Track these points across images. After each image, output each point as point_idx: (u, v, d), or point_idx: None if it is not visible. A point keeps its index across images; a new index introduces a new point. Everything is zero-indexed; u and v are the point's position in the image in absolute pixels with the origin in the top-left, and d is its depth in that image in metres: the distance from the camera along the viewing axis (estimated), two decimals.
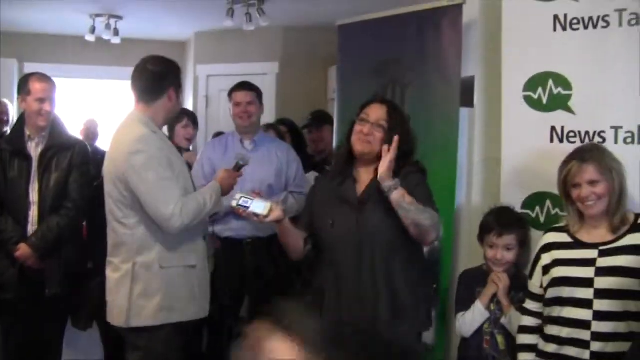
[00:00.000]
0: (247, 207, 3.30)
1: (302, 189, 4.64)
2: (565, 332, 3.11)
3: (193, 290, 3.61)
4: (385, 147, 3.24)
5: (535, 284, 3.29)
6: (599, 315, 3.04)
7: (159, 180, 3.44)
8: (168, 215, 3.41)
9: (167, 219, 3.41)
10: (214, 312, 4.00)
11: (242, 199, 3.33)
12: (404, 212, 3.21)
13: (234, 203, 3.32)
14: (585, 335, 3.05)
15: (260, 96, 4.82)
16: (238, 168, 3.85)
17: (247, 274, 4.64)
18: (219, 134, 6.08)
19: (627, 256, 3.05)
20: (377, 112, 3.39)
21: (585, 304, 3.07)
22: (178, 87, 3.69)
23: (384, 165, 3.22)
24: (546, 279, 3.21)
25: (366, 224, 3.33)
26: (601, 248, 3.10)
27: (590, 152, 3.16)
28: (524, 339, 3.31)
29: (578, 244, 3.15)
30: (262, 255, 4.61)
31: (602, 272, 3.05)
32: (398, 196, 3.20)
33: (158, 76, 3.62)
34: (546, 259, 3.24)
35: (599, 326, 3.03)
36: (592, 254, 3.09)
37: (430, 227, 3.23)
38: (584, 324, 3.06)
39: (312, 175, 4.93)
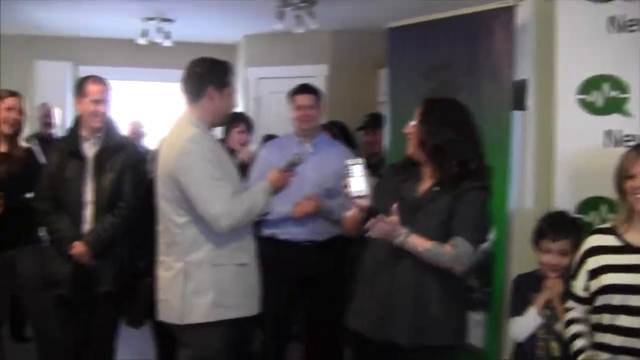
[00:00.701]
0: (351, 175, 3.25)
1: None
2: (617, 340, 3.04)
3: (245, 287, 3.65)
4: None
5: (578, 285, 3.20)
6: None
7: (208, 180, 3.48)
8: (217, 215, 3.45)
9: (215, 218, 3.46)
10: (268, 314, 4.06)
11: (355, 166, 3.26)
12: (419, 256, 3.24)
13: (348, 162, 3.27)
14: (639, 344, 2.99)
15: (321, 99, 4.81)
16: (291, 166, 3.83)
17: (305, 278, 4.61)
18: (269, 137, 6.10)
19: None
20: (416, 115, 3.41)
21: (638, 311, 3.00)
22: (221, 86, 3.68)
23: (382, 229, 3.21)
24: (594, 284, 3.12)
25: (414, 227, 3.28)
26: None
27: None
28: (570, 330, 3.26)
29: (627, 248, 3.06)
30: (320, 259, 4.57)
31: None
32: (410, 247, 3.22)
33: (198, 76, 3.68)
34: (592, 263, 3.14)
35: None
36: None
37: (451, 266, 3.22)
38: (638, 333, 2.99)
39: None
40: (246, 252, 3.67)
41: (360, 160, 3.31)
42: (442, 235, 3.23)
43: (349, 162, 3.29)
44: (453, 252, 3.20)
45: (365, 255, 3.51)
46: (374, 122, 5.95)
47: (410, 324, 3.27)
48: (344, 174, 3.28)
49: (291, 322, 4.96)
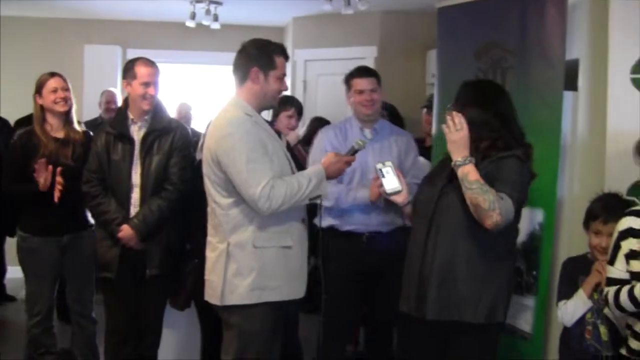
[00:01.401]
0: (382, 176, 3.55)
1: (418, 180, 4.25)
2: None
3: (288, 270, 3.62)
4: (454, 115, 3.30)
5: (618, 268, 3.12)
6: None
7: (247, 162, 3.45)
8: (256, 197, 3.42)
9: (254, 200, 3.43)
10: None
11: (385, 168, 3.58)
12: (464, 189, 3.24)
13: (378, 166, 3.57)
14: None
15: (380, 81, 4.63)
16: (353, 152, 3.75)
17: (368, 272, 4.45)
18: (318, 120, 6.07)
19: None
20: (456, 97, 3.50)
21: None
22: (266, 67, 3.61)
23: (449, 141, 3.29)
24: (632, 269, 3.06)
25: (443, 201, 3.37)
26: None
27: None
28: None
29: None
30: (384, 251, 4.37)
31: None
32: (462, 173, 3.25)
33: (243, 58, 3.65)
34: (625, 247, 3.09)
35: None
36: None
37: (488, 210, 3.18)
38: None
39: (425, 163, 4.90)
40: (291, 234, 3.63)
41: (389, 162, 3.63)
42: (467, 209, 3.26)
43: (379, 165, 3.62)
44: (495, 197, 3.19)
45: (410, 236, 3.57)
46: None
47: (437, 298, 3.33)
48: (375, 176, 3.53)
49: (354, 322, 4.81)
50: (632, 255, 3.04)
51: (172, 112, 7.08)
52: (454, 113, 3.27)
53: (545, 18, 4.24)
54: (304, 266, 3.71)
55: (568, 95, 4.15)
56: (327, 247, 4.09)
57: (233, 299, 3.56)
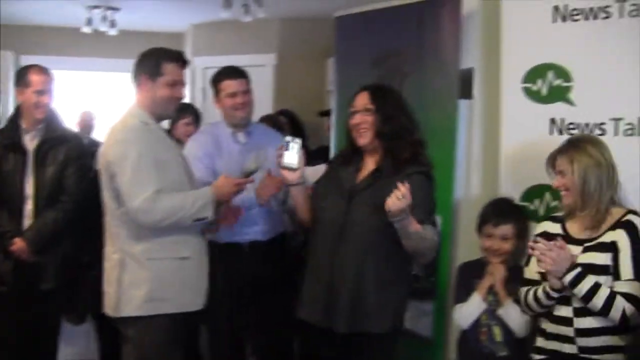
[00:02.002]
0: (286, 148, 3.39)
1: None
2: (551, 328, 3.18)
3: (185, 281, 3.54)
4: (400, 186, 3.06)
5: (531, 270, 3.27)
6: (578, 312, 3.07)
7: (133, 173, 3.36)
8: (134, 209, 3.34)
9: (134, 212, 3.35)
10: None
11: (292, 143, 3.40)
12: (405, 239, 3.21)
13: (287, 138, 3.42)
14: (568, 331, 3.10)
15: (250, 82, 4.33)
16: (247, 174, 3.64)
17: (253, 282, 4.27)
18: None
19: (599, 253, 3.05)
20: (361, 100, 3.40)
21: (566, 300, 3.10)
22: (154, 74, 3.51)
23: (394, 203, 3.07)
24: (539, 270, 3.20)
25: (350, 214, 3.32)
26: (586, 245, 3.09)
27: (570, 142, 3.17)
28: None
29: (566, 238, 3.12)
30: (263, 260, 4.25)
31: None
32: (402, 225, 3.15)
33: (136, 66, 3.57)
34: None
35: (580, 322, 3.07)
36: (576, 250, 3.08)
37: (427, 254, 3.28)
38: (566, 321, 3.11)
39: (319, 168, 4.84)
40: (188, 245, 3.55)
41: (299, 139, 3.41)
42: (377, 221, 3.21)
43: (289, 138, 3.42)
44: (434, 237, 3.28)
45: (311, 244, 3.53)
46: None
47: (349, 311, 3.29)
48: (280, 146, 3.35)
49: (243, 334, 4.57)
50: None
51: (74, 121, 6.97)
52: (400, 185, 3.06)
53: (440, 27, 4.31)
54: (202, 278, 3.63)
55: (463, 103, 4.22)
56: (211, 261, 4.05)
57: (128, 311, 3.47)
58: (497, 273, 3.54)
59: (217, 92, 4.30)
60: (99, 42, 8.08)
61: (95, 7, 7.35)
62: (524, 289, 3.29)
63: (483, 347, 3.58)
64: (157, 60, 3.53)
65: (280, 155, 3.37)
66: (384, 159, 3.36)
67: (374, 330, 3.31)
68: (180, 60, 3.59)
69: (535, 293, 3.19)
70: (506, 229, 3.57)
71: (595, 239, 3.08)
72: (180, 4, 7.22)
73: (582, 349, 3.07)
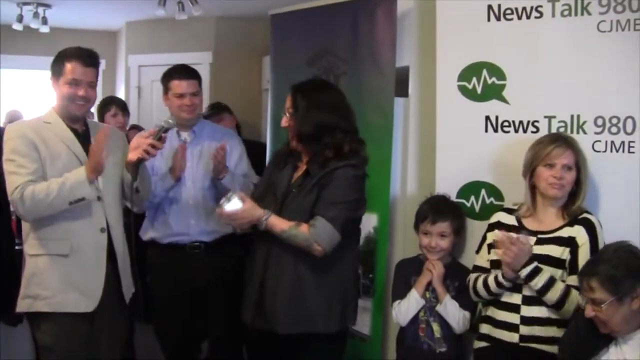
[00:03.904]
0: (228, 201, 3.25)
1: (247, 177, 4.26)
2: (497, 314, 3.29)
3: (64, 280, 3.43)
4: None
5: (482, 258, 3.40)
6: (527, 301, 3.18)
7: (9, 167, 3.39)
8: (12, 202, 3.38)
9: (13, 205, 3.39)
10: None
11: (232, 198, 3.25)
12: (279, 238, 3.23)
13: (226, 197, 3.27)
14: (514, 318, 3.21)
15: (201, 82, 4.31)
16: (164, 131, 3.56)
17: (196, 286, 4.15)
18: (134, 128, 5.93)
19: (556, 247, 3.16)
20: (287, 102, 3.38)
21: (517, 288, 3.21)
22: (57, 74, 3.49)
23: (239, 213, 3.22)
24: (490, 258, 3.34)
25: (284, 215, 3.28)
26: (540, 236, 3.21)
27: (571, 140, 3.26)
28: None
29: (520, 230, 3.25)
30: (210, 263, 4.14)
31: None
32: (266, 227, 3.22)
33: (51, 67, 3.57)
34: (490, 238, 3.37)
35: (527, 310, 3.18)
36: (530, 241, 3.18)
37: (308, 246, 3.18)
38: (513, 308, 3.22)
39: None
40: (72, 242, 3.44)
41: (236, 194, 3.29)
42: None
43: (226, 196, 3.30)
44: (308, 233, 3.17)
45: (252, 247, 3.48)
46: (218, 109, 5.75)
47: (288, 312, 3.25)
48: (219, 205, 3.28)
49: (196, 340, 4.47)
50: (493, 245, 3.29)
51: (1, 120, 6.81)
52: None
53: (375, 26, 4.33)
54: (91, 277, 3.48)
55: (399, 101, 4.25)
56: (151, 262, 3.99)
57: (18, 307, 3.51)
58: (434, 270, 3.58)
59: (165, 90, 4.24)
60: (30, 39, 7.91)
61: (26, 3, 7.20)
62: (473, 275, 3.40)
63: (422, 344, 3.61)
64: (62, 60, 3.51)
65: (221, 207, 3.25)
66: (310, 160, 3.32)
67: (317, 330, 3.27)
68: (82, 58, 3.52)
69: (485, 280, 3.29)
70: (443, 226, 3.61)
71: (552, 232, 3.20)
72: (115, 2, 7.12)
73: (523, 338, 3.17)
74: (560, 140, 3.24)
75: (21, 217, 3.44)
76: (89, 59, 3.53)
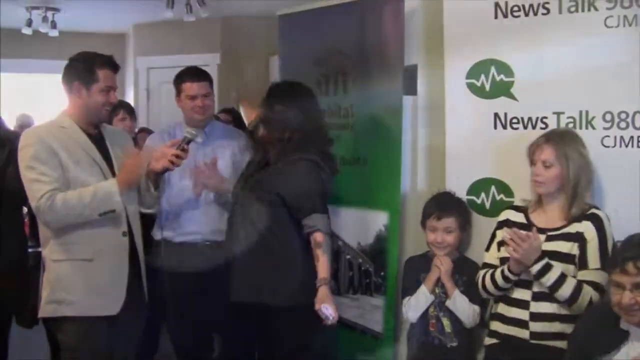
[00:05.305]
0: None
1: None
2: (507, 311, 3.30)
3: (89, 284, 3.47)
4: None
5: (491, 256, 3.41)
6: (536, 296, 3.19)
7: (30, 175, 3.39)
8: (36, 209, 3.39)
9: (37, 212, 3.40)
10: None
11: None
12: None
13: None
14: (524, 314, 3.22)
15: (213, 83, 4.38)
16: (184, 145, 3.68)
17: (210, 286, 4.13)
18: (143, 130, 5.96)
19: (565, 242, 3.17)
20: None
21: (526, 284, 3.22)
22: (88, 81, 3.50)
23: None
24: (500, 255, 3.35)
25: (241, 198, 3.68)
26: (549, 234, 3.21)
27: (557, 134, 3.27)
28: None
29: (529, 228, 3.24)
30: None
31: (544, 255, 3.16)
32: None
33: (67, 72, 3.56)
34: (499, 235, 3.37)
35: (536, 306, 3.19)
36: (540, 238, 3.17)
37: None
38: (523, 304, 3.23)
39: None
40: (94, 247, 3.48)
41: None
42: (266, 212, 3.53)
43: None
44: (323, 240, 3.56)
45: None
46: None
47: (240, 281, 3.61)
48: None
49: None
50: (503, 243, 3.29)
51: (12, 124, 6.85)
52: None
53: (383, 25, 4.33)
54: (115, 281, 3.54)
55: (408, 99, 4.26)
56: (165, 261, 4.01)
57: (40, 312, 3.55)
58: (443, 265, 3.60)
59: (178, 92, 4.31)
60: (39, 43, 7.96)
61: (35, 7, 7.24)
62: (481, 272, 3.41)
63: (433, 339, 3.63)
64: (92, 67, 3.52)
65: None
66: (270, 146, 3.72)
67: (268, 302, 3.55)
68: (112, 64, 3.59)
69: (492, 275, 3.30)
70: (449, 221, 3.65)
71: (560, 229, 3.20)
72: (122, 4, 7.16)
73: (534, 335, 3.18)
74: (544, 136, 3.26)
75: (46, 224, 3.43)
76: (116, 65, 3.61)
